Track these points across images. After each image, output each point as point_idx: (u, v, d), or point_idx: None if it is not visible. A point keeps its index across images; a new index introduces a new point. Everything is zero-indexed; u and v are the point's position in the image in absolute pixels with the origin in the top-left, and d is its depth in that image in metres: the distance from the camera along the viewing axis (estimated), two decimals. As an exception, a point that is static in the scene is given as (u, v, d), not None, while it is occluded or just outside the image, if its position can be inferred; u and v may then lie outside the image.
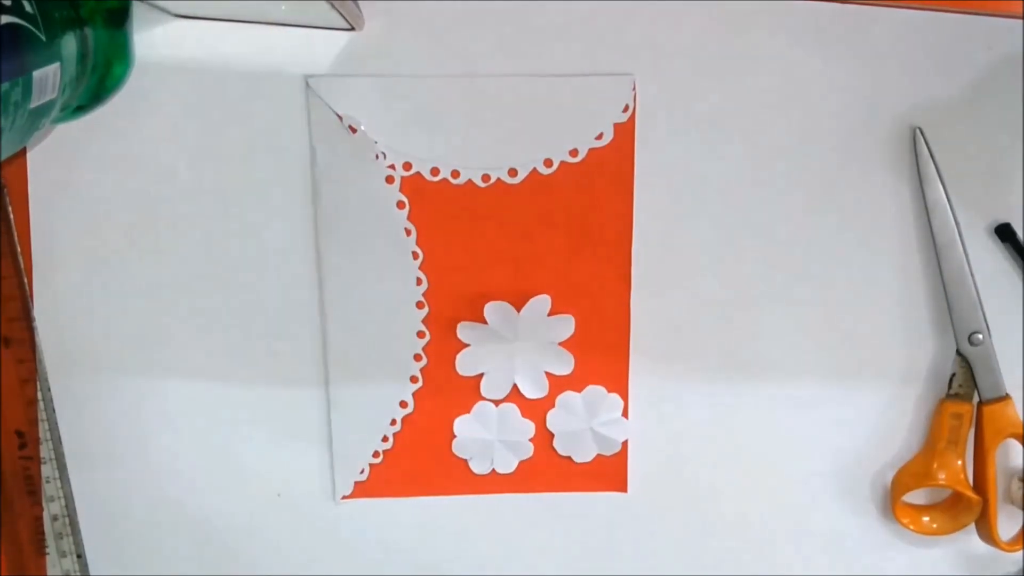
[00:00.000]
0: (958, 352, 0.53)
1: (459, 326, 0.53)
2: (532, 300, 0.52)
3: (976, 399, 0.54)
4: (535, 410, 0.55)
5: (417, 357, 0.54)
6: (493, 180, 0.52)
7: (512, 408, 0.55)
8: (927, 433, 0.55)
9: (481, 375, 0.54)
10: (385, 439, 0.55)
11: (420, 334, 0.53)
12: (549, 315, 0.53)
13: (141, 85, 0.50)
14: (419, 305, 0.53)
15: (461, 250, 0.52)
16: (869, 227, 0.53)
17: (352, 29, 0.49)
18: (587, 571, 0.57)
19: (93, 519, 0.55)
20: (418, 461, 0.55)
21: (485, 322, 0.53)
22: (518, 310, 0.53)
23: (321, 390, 0.54)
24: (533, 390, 0.54)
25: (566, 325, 0.53)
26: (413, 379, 0.54)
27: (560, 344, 0.53)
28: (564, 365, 0.54)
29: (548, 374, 0.54)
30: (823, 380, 0.55)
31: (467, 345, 0.53)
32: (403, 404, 0.54)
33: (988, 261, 0.53)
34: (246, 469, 0.55)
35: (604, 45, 0.50)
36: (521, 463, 0.55)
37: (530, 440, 0.55)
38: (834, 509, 0.56)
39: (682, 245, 0.53)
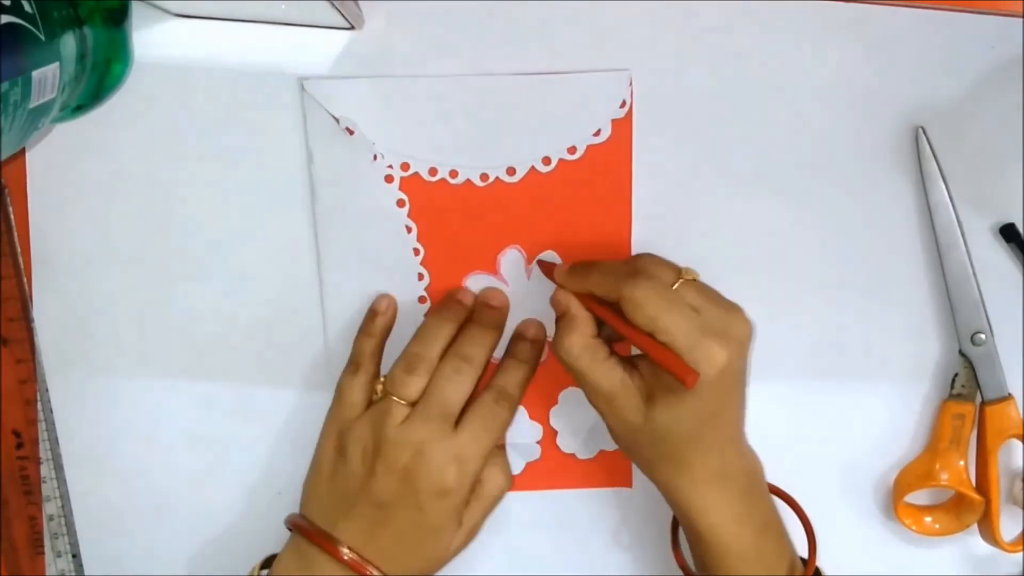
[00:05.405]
0: (961, 352, 0.53)
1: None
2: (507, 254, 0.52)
3: (979, 399, 0.53)
4: (541, 410, 0.55)
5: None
6: (492, 179, 0.51)
7: (519, 410, 0.54)
8: (929, 433, 0.55)
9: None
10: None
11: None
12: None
13: (140, 85, 0.50)
14: (421, 300, 0.53)
15: (463, 247, 0.52)
16: (871, 227, 0.53)
17: (352, 28, 0.49)
18: (592, 568, 0.56)
19: (89, 519, 0.55)
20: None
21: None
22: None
23: (323, 387, 0.53)
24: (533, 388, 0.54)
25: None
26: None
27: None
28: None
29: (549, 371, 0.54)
30: (825, 380, 0.54)
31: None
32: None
33: (991, 261, 0.53)
34: (245, 468, 0.55)
35: (600, 41, 0.50)
36: (527, 463, 0.55)
37: (537, 443, 0.55)
38: (836, 509, 0.56)
39: (681, 242, 0.53)
